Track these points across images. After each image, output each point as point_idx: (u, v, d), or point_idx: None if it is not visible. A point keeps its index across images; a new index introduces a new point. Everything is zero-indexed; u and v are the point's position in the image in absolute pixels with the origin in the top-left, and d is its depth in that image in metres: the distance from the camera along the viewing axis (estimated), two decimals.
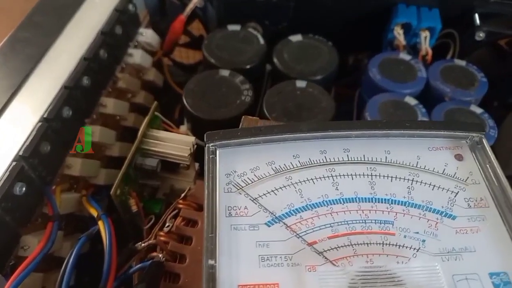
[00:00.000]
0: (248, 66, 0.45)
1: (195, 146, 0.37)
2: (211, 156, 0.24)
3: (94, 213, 0.33)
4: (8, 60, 0.38)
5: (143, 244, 0.31)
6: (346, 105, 0.48)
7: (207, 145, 0.25)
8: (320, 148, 0.25)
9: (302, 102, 0.41)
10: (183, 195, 0.33)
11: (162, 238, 0.31)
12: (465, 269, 0.21)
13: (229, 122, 0.40)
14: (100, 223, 0.31)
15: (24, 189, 0.31)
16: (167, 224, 0.32)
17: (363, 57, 0.58)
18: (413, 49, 0.50)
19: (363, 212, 0.23)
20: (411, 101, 0.40)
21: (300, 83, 0.42)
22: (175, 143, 0.36)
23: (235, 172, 0.24)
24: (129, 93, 0.47)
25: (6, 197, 0.30)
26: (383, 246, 0.22)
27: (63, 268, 0.28)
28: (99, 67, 0.40)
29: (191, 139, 0.37)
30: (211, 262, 0.20)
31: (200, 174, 0.39)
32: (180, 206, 0.33)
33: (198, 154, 0.38)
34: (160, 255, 0.30)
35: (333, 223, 0.22)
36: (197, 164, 0.39)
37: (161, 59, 0.53)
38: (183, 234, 0.31)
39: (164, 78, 0.53)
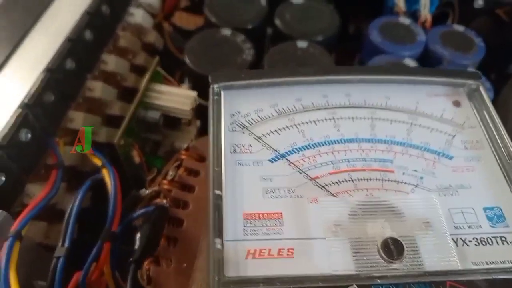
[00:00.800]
0: (249, 26, 0.45)
1: (197, 102, 0.38)
2: (215, 97, 0.25)
3: (98, 162, 0.33)
4: (10, 13, 0.38)
5: (146, 191, 0.31)
6: None
7: (211, 86, 0.25)
8: (322, 93, 0.26)
9: (303, 62, 0.41)
10: (185, 146, 0.34)
11: (165, 186, 0.32)
12: (461, 204, 0.22)
13: None
14: (104, 170, 0.32)
15: (29, 135, 0.32)
16: (170, 173, 0.32)
17: (363, 25, 0.58)
18: (413, 16, 0.50)
19: (363, 151, 0.24)
20: (410, 63, 0.41)
21: (302, 43, 0.42)
22: (177, 97, 0.37)
23: (239, 112, 0.25)
24: (129, 53, 0.47)
25: (11, 142, 0.30)
26: (382, 182, 0.22)
27: (69, 210, 0.28)
28: (101, 22, 0.41)
29: (193, 93, 0.37)
30: (217, 192, 0.21)
31: (201, 131, 0.40)
32: (183, 157, 0.34)
33: (199, 111, 0.39)
34: (164, 201, 0.30)
35: (335, 160, 0.23)
36: (198, 121, 0.40)
37: (162, 23, 0.53)
38: (185, 183, 0.32)
39: (164, 43, 0.53)
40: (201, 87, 0.42)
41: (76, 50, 0.37)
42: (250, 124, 0.24)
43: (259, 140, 0.24)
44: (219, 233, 0.20)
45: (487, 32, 0.52)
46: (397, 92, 0.26)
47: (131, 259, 0.25)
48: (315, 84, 0.26)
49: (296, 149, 0.23)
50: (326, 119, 0.25)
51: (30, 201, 0.32)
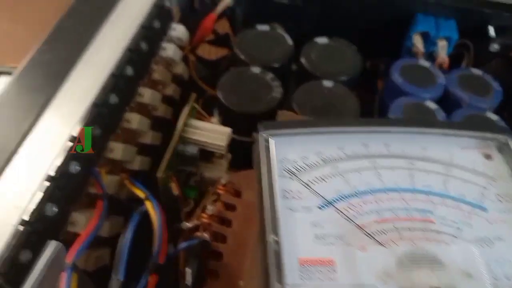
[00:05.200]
0: (276, 65, 0.47)
1: (231, 137, 0.40)
2: (265, 144, 0.27)
3: (140, 194, 0.35)
4: (55, 48, 0.40)
5: (189, 225, 0.33)
6: (366, 106, 0.50)
7: (260, 133, 0.27)
8: (363, 142, 0.28)
9: (328, 101, 0.43)
10: (223, 181, 0.36)
11: (205, 220, 0.33)
12: (498, 255, 0.24)
13: (260, 116, 0.43)
14: (148, 203, 0.33)
15: (78, 168, 0.33)
16: (208, 207, 0.34)
17: (380, 62, 0.60)
18: (430, 56, 0.52)
19: (404, 201, 0.25)
20: (432, 105, 0.43)
21: (327, 83, 0.44)
22: (213, 133, 0.39)
23: (286, 159, 0.27)
24: (160, 84, 0.49)
25: (62, 174, 0.32)
26: (424, 232, 0.24)
27: (120, 244, 0.30)
28: (140, 58, 0.43)
29: (228, 130, 0.39)
30: (275, 238, 0.23)
31: (232, 164, 0.42)
32: (220, 191, 0.35)
33: (230, 145, 0.41)
34: (205, 235, 0.32)
35: (379, 209, 0.25)
36: (229, 154, 0.42)
37: (188, 55, 0.55)
38: (223, 217, 0.34)
39: (189, 72, 0.55)
40: (231, 121, 0.44)
41: (119, 85, 0.39)
42: (298, 171, 0.26)
43: (307, 187, 0.25)
44: (279, 278, 0.21)
45: (502, 73, 0.55)
46: (432, 143, 0.28)
47: None
48: (356, 133, 0.28)
49: (342, 197, 0.25)
50: (367, 168, 0.27)
51: (74, 229, 0.34)
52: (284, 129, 0.27)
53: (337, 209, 0.25)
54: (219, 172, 0.42)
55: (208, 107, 0.49)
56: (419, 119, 0.30)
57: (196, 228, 0.34)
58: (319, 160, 0.27)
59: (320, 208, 0.25)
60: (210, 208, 0.34)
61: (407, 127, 0.28)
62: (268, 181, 0.25)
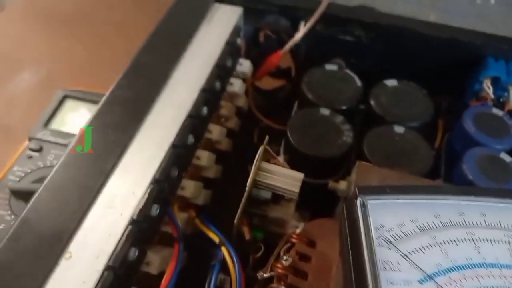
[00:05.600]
0: (345, 107, 0.47)
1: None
2: (362, 209, 0.26)
3: (215, 238, 0.35)
4: (134, 84, 0.41)
5: (265, 275, 0.33)
6: None
7: (359, 198, 0.27)
8: (458, 210, 0.27)
9: (401, 148, 0.43)
10: (298, 230, 0.35)
11: (280, 271, 0.33)
12: None
13: (331, 160, 0.43)
14: (224, 249, 0.33)
15: (158, 210, 0.34)
16: (285, 258, 0.34)
17: (441, 99, 0.59)
18: (498, 102, 0.51)
19: (506, 278, 0.25)
20: (506, 157, 0.42)
21: (399, 129, 0.44)
22: (286, 177, 0.39)
23: (383, 226, 0.26)
24: (224, 118, 0.50)
25: (144, 218, 0.33)
26: None
27: None
28: (213, 97, 0.43)
29: (301, 176, 0.39)
30: None
31: (298, 206, 0.41)
32: (294, 240, 0.35)
33: None
34: None
35: (480, 286, 0.24)
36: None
37: (249, 87, 0.56)
38: (299, 269, 0.33)
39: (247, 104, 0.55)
40: (299, 162, 0.44)
41: (195, 125, 0.40)
42: (395, 240, 0.26)
43: (406, 258, 0.25)
44: None
45: None
46: None
47: None
48: (451, 200, 0.27)
49: (441, 270, 0.25)
50: (465, 240, 0.26)
51: (148, 269, 0.34)
52: (382, 194, 0.27)
53: (439, 284, 0.24)
54: (284, 213, 0.42)
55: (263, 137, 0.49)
56: None
57: (270, 279, 0.34)
58: (416, 228, 0.26)
59: (421, 282, 0.24)
60: (285, 258, 0.34)
61: (504, 198, 0.27)
62: (368, 251, 0.24)
